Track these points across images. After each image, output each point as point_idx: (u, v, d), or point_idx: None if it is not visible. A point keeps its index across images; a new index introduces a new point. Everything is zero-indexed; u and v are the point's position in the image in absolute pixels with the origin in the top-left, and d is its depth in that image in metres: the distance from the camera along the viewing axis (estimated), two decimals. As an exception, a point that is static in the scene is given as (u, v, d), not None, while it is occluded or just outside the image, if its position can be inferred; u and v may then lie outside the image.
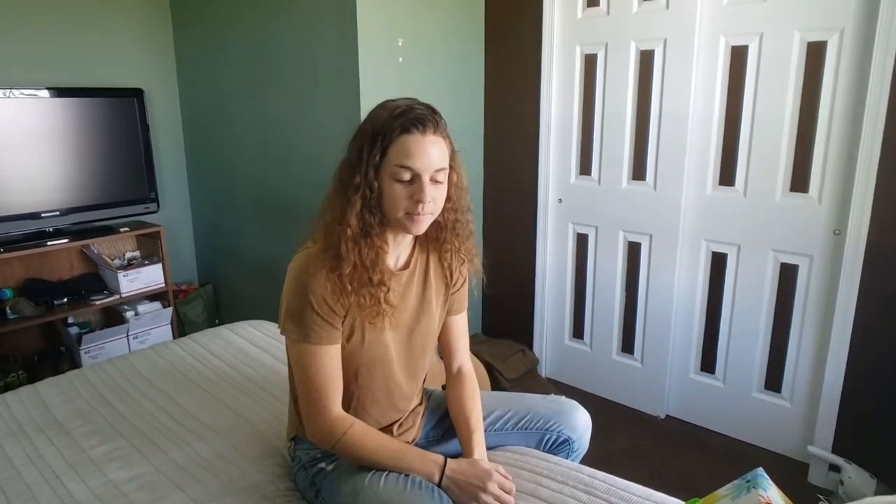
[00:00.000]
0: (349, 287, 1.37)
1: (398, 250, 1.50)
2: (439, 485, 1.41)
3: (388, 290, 1.43)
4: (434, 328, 1.62)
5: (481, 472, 1.42)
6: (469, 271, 1.65)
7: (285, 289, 1.45)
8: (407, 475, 1.43)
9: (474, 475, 1.41)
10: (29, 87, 3.02)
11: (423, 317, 1.57)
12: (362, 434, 1.44)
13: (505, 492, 1.41)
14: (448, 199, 1.46)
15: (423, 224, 1.40)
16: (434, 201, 1.38)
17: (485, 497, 1.38)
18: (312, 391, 1.43)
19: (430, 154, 1.34)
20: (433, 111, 1.37)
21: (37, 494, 1.56)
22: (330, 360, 1.42)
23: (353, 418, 1.46)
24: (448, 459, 1.44)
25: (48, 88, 3.07)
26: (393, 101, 1.37)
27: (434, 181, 1.36)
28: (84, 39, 3.37)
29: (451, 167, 1.43)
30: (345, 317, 1.42)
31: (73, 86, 3.22)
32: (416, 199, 1.34)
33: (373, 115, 1.37)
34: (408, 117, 1.32)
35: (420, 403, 1.72)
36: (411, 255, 1.54)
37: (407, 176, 1.33)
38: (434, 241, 1.54)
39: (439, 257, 1.59)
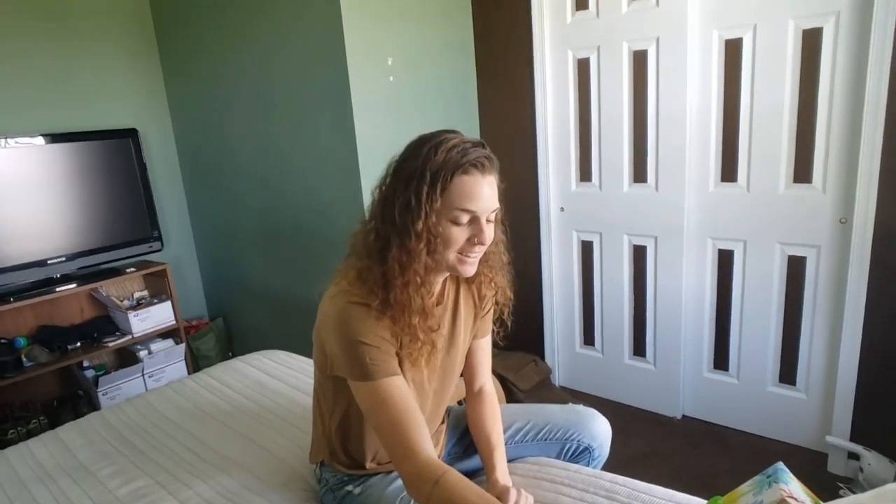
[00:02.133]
0: (421, 336, 1.34)
1: (434, 288, 1.47)
2: None
3: (440, 328, 1.42)
4: (461, 357, 1.62)
5: None
6: (499, 299, 1.61)
7: (326, 334, 1.38)
8: None
9: None
10: (23, 135, 3.04)
11: (452, 349, 1.56)
12: (457, 485, 1.27)
13: None
14: None
15: (474, 266, 1.37)
16: (489, 240, 1.36)
17: None
18: (392, 433, 1.32)
19: (487, 195, 1.30)
20: (485, 147, 1.32)
21: (66, 538, 1.58)
22: (399, 392, 1.33)
23: (446, 465, 1.32)
24: None
25: (43, 135, 3.09)
26: (441, 137, 1.30)
27: (488, 221, 1.34)
28: (73, 85, 3.39)
29: None
30: (397, 353, 1.37)
31: (66, 131, 3.24)
32: (477, 240, 1.31)
33: (421, 153, 1.29)
34: (468, 158, 1.27)
35: (442, 422, 1.73)
36: (442, 290, 1.51)
37: (466, 219, 1.29)
38: None
39: (468, 287, 1.58)
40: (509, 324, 1.63)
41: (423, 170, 1.26)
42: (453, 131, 1.33)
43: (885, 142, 2.33)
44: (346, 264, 1.41)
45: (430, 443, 1.33)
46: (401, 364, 1.38)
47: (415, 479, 1.30)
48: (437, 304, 1.48)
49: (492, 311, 1.65)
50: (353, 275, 1.37)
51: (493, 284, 1.56)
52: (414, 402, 1.35)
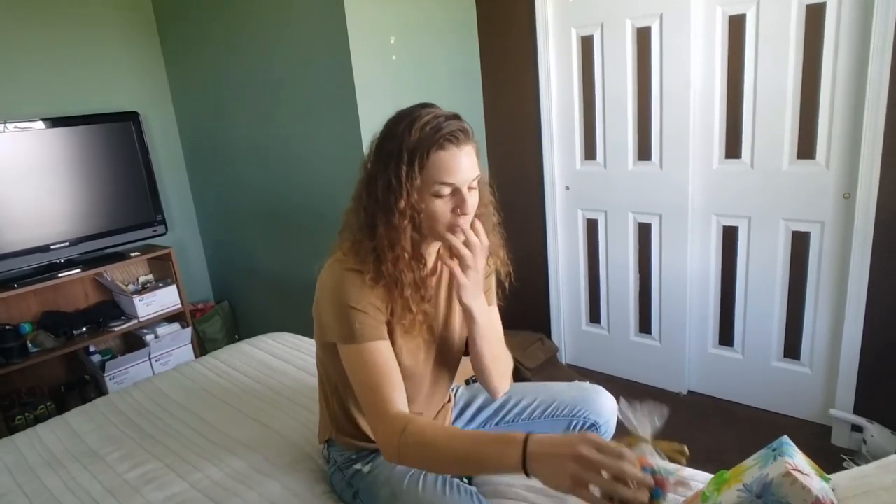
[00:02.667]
0: (415, 308, 1.37)
1: (428, 259, 1.49)
2: (524, 466, 1.10)
3: (432, 300, 1.44)
4: (460, 328, 1.61)
5: (571, 438, 1.09)
6: (496, 264, 1.61)
7: (324, 301, 1.40)
8: (444, 480, 1.42)
9: (562, 442, 1.09)
10: (23, 119, 3.02)
11: (450, 318, 1.56)
12: (423, 426, 1.28)
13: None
14: None
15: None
16: (473, 208, 1.37)
17: (576, 467, 1.03)
18: (370, 393, 1.35)
19: (466, 166, 1.31)
20: (459, 119, 1.33)
21: (78, 521, 1.59)
22: (382, 356, 1.36)
23: (412, 415, 1.33)
24: (531, 434, 1.14)
25: (43, 119, 3.07)
26: (415, 114, 1.31)
27: (470, 188, 1.35)
28: (72, 69, 3.36)
29: None
30: (388, 321, 1.40)
31: (66, 115, 3.22)
32: (460, 211, 1.33)
33: (397, 131, 1.30)
34: (441, 133, 1.28)
35: (449, 401, 1.73)
36: (436, 260, 1.53)
37: (447, 191, 1.32)
38: None
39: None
40: (507, 285, 1.64)
41: (400, 150, 1.28)
42: (429, 105, 1.35)
43: (889, 116, 2.31)
44: (340, 238, 1.45)
45: (404, 403, 1.35)
46: (393, 333, 1.41)
47: (385, 437, 1.30)
48: (431, 275, 1.50)
49: (492, 280, 1.65)
50: (347, 246, 1.41)
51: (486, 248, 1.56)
52: (396, 368, 1.38)
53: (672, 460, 1.19)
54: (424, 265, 1.42)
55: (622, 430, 1.12)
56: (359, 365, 1.36)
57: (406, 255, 1.34)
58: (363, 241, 1.37)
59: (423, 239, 1.37)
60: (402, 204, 1.30)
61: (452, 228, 1.35)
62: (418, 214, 1.32)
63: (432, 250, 1.49)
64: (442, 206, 1.32)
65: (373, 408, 1.34)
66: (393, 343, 1.41)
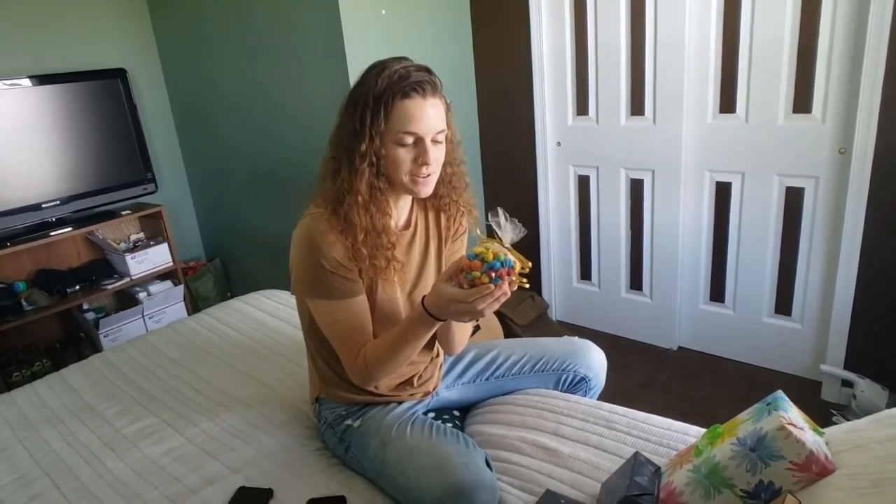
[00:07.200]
0: (364, 251, 1.39)
1: (398, 212, 1.51)
2: (429, 313, 1.32)
3: (395, 247, 1.45)
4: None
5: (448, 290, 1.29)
6: (469, 222, 1.65)
7: (295, 256, 1.46)
8: (431, 424, 1.50)
9: (442, 295, 1.28)
10: (9, 77, 2.97)
11: (425, 274, 1.58)
12: (373, 346, 1.44)
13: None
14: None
15: (427, 186, 1.42)
16: (437, 162, 1.40)
17: (471, 306, 1.27)
18: (344, 344, 1.46)
19: (431, 117, 1.34)
20: (429, 72, 1.36)
21: (79, 474, 1.62)
22: (354, 313, 1.44)
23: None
24: (424, 297, 1.35)
25: (29, 77, 3.02)
26: (385, 63, 1.36)
27: (435, 142, 1.38)
28: (58, 25, 3.28)
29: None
30: (360, 272, 1.43)
31: (53, 72, 3.15)
32: (421, 161, 1.36)
33: (368, 80, 1.35)
34: (408, 82, 1.31)
35: (437, 356, 1.74)
36: (410, 216, 1.56)
37: (410, 140, 1.35)
38: (432, 197, 1.54)
39: (437, 213, 1.60)
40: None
41: (367, 96, 1.33)
42: (403, 58, 1.38)
43: (887, 70, 2.28)
44: (314, 191, 1.49)
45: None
46: (374, 280, 1.45)
47: (353, 369, 1.47)
48: (405, 229, 1.54)
49: (465, 237, 1.68)
50: (318, 199, 1.45)
51: (459, 205, 1.59)
52: (367, 320, 1.47)
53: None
54: (387, 215, 1.43)
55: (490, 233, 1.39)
56: (330, 320, 1.46)
57: (360, 198, 1.37)
58: (328, 185, 1.42)
59: (389, 188, 1.41)
60: (364, 147, 1.34)
61: (414, 180, 1.38)
62: (378, 160, 1.36)
63: (404, 204, 1.52)
64: (404, 155, 1.36)
65: (346, 355, 1.47)
66: (374, 290, 1.46)
